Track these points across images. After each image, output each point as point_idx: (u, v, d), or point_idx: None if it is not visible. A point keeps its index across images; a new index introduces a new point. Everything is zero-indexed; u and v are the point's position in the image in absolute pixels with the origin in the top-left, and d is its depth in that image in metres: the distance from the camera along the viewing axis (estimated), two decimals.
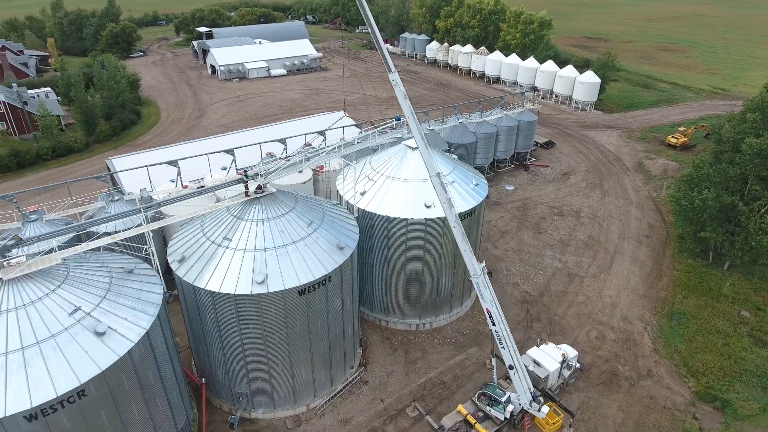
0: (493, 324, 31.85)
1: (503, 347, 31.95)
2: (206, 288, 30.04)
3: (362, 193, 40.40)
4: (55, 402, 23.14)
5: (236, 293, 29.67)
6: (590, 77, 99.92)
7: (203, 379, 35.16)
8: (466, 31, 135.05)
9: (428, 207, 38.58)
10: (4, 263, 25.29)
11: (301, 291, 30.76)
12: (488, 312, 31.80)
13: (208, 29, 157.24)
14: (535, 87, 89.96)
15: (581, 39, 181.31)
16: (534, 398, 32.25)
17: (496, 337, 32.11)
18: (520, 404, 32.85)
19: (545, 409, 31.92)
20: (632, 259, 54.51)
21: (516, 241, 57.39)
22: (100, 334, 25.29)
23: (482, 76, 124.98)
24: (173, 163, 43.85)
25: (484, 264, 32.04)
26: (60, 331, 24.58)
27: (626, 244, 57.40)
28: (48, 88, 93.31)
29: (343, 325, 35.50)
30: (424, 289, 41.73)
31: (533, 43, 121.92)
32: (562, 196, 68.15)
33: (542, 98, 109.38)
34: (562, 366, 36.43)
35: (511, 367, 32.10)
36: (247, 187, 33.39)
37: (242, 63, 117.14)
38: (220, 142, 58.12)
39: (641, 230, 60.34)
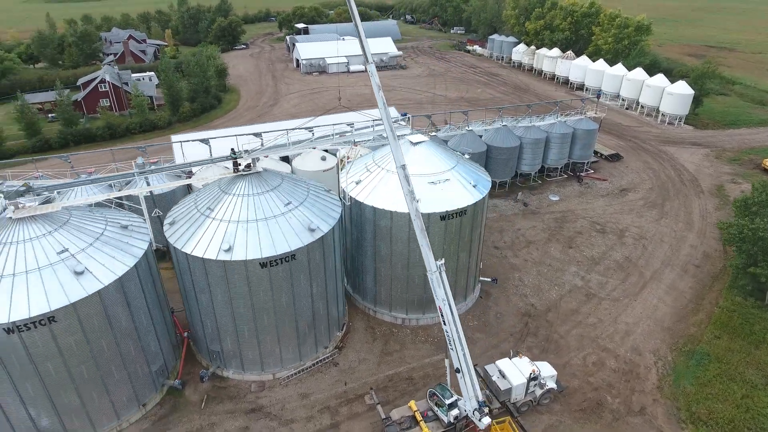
0: (445, 324, 31.21)
1: (452, 348, 31.19)
2: (182, 249, 33.19)
3: (357, 182, 41.37)
4: (29, 321, 27.48)
5: (204, 257, 32.44)
6: (681, 88, 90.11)
7: (186, 333, 38.71)
8: (555, 34, 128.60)
9: (417, 201, 38.38)
10: (15, 206, 30.36)
11: (263, 264, 32.70)
12: (440, 310, 31.24)
13: (305, 26, 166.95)
14: (599, 93, 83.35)
15: (699, 48, 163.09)
16: (479, 407, 30.98)
17: (447, 338, 31.44)
18: (465, 410, 31.76)
19: (486, 420, 30.49)
20: (669, 288, 49.01)
21: (540, 252, 54.41)
22: (78, 273, 29.41)
23: (566, 81, 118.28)
24: (205, 141, 48.30)
25: (442, 261, 31.47)
26: (45, 266, 29.03)
27: (668, 271, 51.68)
28: (152, 73, 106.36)
29: (312, 305, 36.89)
30: (410, 284, 41.63)
31: (627, 48, 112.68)
32: (610, 212, 62.91)
33: (626, 108, 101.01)
34: (530, 382, 34.39)
35: (458, 370, 31.21)
36: (235, 164, 36.10)
37: (323, 58, 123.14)
38: (263, 128, 62.25)
39: (692, 259, 53.86)
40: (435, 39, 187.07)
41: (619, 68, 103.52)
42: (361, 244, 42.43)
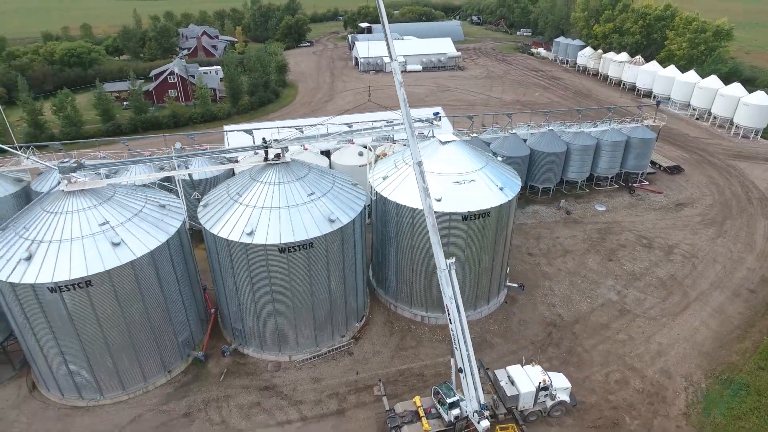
0: (451, 322, 31.16)
1: (456, 348, 31.06)
2: (210, 230, 35.43)
3: (384, 178, 42.02)
4: (69, 283, 30.56)
5: (228, 239, 34.44)
6: (759, 98, 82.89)
7: (213, 310, 41.19)
8: (624, 38, 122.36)
9: (438, 200, 38.49)
10: (68, 180, 33.78)
11: (281, 249, 34.18)
12: (447, 308, 31.22)
13: (369, 25, 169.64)
14: (659, 101, 78.23)
15: None
16: (480, 409, 30.63)
17: (452, 337, 31.37)
18: (466, 411, 31.50)
19: (485, 423, 30.02)
20: (715, 312, 45.62)
21: (576, 263, 52.40)
22: (115, 244, 32.29)
23: (633, 88, 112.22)
24: (249, 132, 51.00)
25: (452, 260, 31.45)
26: (88, 235, 32.12)
27: (717, 293, 48.07)
28: (218, 67, 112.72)
29: (330, 293, 38.00)
30: (430, 282, 41.65)
31: (703, 54, 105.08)
32: (661, 227, 59.29)
33: (696, 119, 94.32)
34: (539, 391, 33.48)
35: (460, 370, 31.04)
36: (266, 153, 37.90)
37: (380, 57, 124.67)
38: (308, 121, 64.43)
39: (747, 282, 49.74)
40: (499, 41, 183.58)
41: (692, 75, 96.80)
42: (385, 239, 43.06)
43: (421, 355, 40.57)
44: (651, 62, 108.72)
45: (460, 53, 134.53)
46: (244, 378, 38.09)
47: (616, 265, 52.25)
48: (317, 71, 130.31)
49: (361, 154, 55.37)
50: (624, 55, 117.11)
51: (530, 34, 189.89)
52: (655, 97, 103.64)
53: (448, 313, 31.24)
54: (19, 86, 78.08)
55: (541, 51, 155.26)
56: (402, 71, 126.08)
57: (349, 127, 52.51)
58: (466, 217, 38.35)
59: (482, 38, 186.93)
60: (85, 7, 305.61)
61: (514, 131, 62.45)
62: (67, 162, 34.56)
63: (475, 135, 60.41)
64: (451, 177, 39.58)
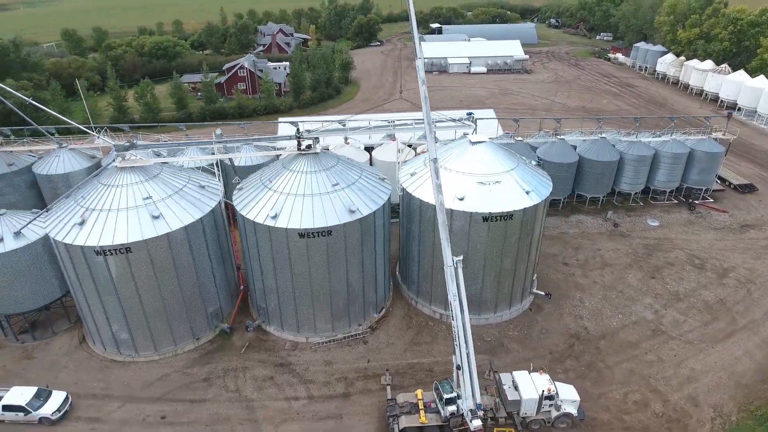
0: (453, 319, 31.44)
1: (456, 345, 31.28)
2: (240, 212, 38.12)
3: (411, 174, 42.74)
4: (111, 248, 34.32)
5: (255, 221, 36.89)
6: None
7: (243, 287, 44.15)
8: (711, 45, 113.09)
9: (460, 199, 38.64)
10: (122, 157, 37.86)
11: (301, 234, 36.06)
12: (450, 305, 31.53)
13: (440, 25, 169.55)
14: (730, 112, 71.47)
15: None
16: (474, 409, 30.59)
17: (453, 334, 31.63)
18: (462, 409, 31.56)
19: (476, 423, 29.91)
20: (764, 343, 41.83)
21: (614, 277, 49.99)
22: (154, 217, 35.80)
23: (716, 99, 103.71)
24: (295, 123, 53.66)
25: (460, 258, 31.73)
26: (132, 207, 35.86)
27: None
28: (287, 63, 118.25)
29: (348, 282, 39.42)
30: (467, 280, 41.70)
31: None
32: (719, 248, 54.90)
33: None
34: (542, 399, 32.75)
35: (458, 367, 31.21)
36: (299, 143, 40.01)
37: (444, 57, 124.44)
38: (349, 117, 66.43)
39: None
40: (576, 45, 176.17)
41: None
42: (409, 235, 43.78)
43: (433, 351, 40.90)
44: (738, 71, 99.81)
45: (527, 56, 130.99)
46: (263, 353, 40.54)
47: (658, 283, 49.23)
48: (381, 70, 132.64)
49: (400, 150, 56.27)
50: (708, 63, 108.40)
51: (611, 38, 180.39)
52: (740, 109, 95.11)
53: (452, 310, 31.54)
54: (108, 75, 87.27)
55: (619, 57, 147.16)
56: (465, 73, 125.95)
57: (390, 123, 53.79)
58: (487, 218, 38.16)
59: (557, 42, 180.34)
60: (183, 4, 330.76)
61: (562, 137, 60.40)
62: (122, 144, 38.69)
63: (519, 139, 59.15)
64: (477, 177, 39.52)
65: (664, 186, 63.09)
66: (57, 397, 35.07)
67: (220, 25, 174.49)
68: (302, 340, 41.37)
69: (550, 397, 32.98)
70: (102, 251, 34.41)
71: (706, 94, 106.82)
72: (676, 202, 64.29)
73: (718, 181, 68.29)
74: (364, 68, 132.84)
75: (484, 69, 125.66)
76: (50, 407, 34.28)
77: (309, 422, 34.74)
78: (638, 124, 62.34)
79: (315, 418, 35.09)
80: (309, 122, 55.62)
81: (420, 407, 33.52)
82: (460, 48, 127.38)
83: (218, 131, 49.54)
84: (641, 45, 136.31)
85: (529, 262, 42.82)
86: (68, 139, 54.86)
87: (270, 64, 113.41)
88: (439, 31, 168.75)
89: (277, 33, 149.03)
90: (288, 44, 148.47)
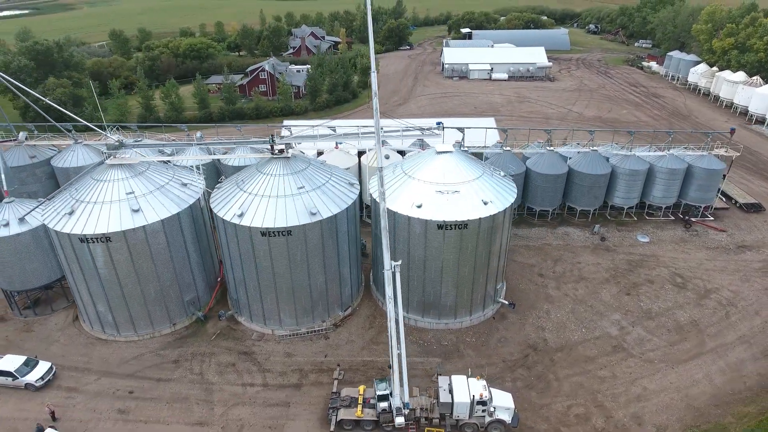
0: (389, 321, 33.21)
1: (390, 346, 33.03)
2: (214, 209, 41.29)
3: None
4: (93, 237, 38.17)
5: (224, 218, 39.93)
6: None
7: (219, 279, 47.42)
8: (746, 55, 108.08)
9: (418, 207, 40.23)
10: (113, 156, 41.85)
11: (263, 232, 38.78)
12: (387, 307, 33.32)
13: (470, 30, 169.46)
14: (733, 128, 68.43)
15: None
16: (400, 407, 32.24)
17: (389, 334, 33.40)
18: (398, 406, 33.26)
19: (399, 420, 31.58)
20: (728, 367, 41.06)
21: (588, 291, 49.99)
22: (134, 210, 39.50)
23: (745, 112, 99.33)
24: (287, 128, 56.79)
25: (398, 263, 33.49)
26: (115, 200, 39.68)
27: (742, 349, 43.01)
28: (308, 66, 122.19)
29: (309, 279, 41.83)
30: (410, 284, 43.45)
31: None
32: (706, 268, 53.62)
33: None
34: (474, 404, 33.95)
35: (389, 367, 32.93)
36: (272, 148, 42.77)
37: (466, 63, 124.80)
38: (341, 123, 68.86)
39: None
40: (610, 52, 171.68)
41: None
42: (377, 240, 45.65)
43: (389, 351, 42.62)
44: None
45: (550, 63, 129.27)
46: (231, 341, 43.61)
47: (632, 300, 48.86)
48: (403, 75, 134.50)
49: (387, 157, 58.15)
50: (740, 75, 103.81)
51: (650, 46, 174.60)
52: (765, 121, 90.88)
53: (387, 312, 33.33)
54: (138, 75, 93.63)
55: (653, 65, 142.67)
56: (486, 79, 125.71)
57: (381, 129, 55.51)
58: (442, 226, 39.55)
59: (592, 48, 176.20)
60: (233, 4, 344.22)
61: (552, 148, 60.44)
62: (112, 142, 42.71)
63: (508, 149, 59.70)
64: (436, 186, 40.96)
65: (659, 202, 61.91)
66: (42, 367, 39.35)
67: (260, 27, 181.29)
68: (268, 332, 44.15)
69: (482, 402, 34.11)
70: (85, 239, 38.39)
71: (735, 107, 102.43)
72: (672, 218, 62.90)
73: (723, 199, 66.21)
74: (386, 72, 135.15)
75: (505, 76, 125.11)
76: (35, 375, 38.57)
77: (258, 407, 37.38)
78: (632, 138, 61.19)
79: (265, 404, 37.71)
80: (301, 126, 58.69)
81: (359, 402, 35.49)
82: (481, 54, 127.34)
83: (198, 134, 53.19)
84: (675, 54, 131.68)
85: (490, 272, 43.76)
86: (84, 135, 59.97)
87: (293, 67, 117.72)
88: (469, 37, 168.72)
89: (308, 36, 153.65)
90: (317, 47, 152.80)
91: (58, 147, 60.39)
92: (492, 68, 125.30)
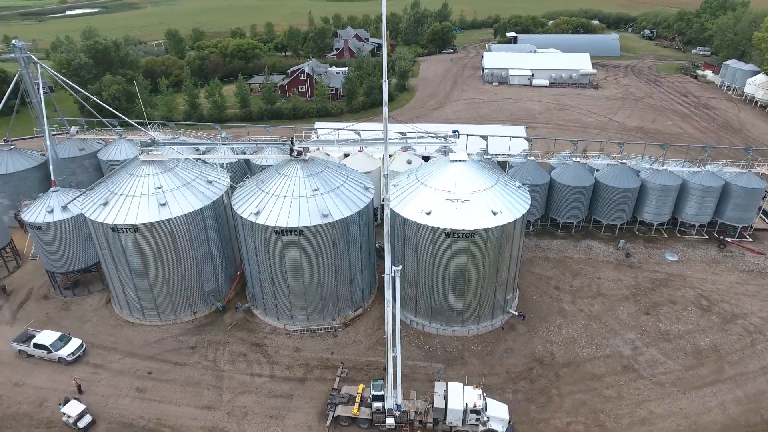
0: (387, 324, 34.14)
1: (386, 347, 33.95)
2: (234, 206, 43.58)
3: (394, 185, 45.54)
4: (123, 227, 41.32)
5: (242, 216, 42.12)
6: None
7: (239, 272, 49.85)
8: None
9: (427, 214, 40.88)
10: (146, 152, 45.00)
11: (276, 231, 40.64)
12: (386, 311, 34.25)
13: (515, 34, 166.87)
14: None
15: None
16: (393, 408, 33.05)
17: (386, 337, 34.32)
18: (390, 407, 34.14)
19: (389, 420, 32.39)
20: (746, 398, 39.28)
21: (604, 308, 48.89)
22: (161, 204, 42.41)
23: None
24: (314, 130, 58.74)
25: (400, 267, 34.35)
26: (145, 194, 42.75)
27: (764, 379, 40.97)
28: (346, 68, 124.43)
29: (320, 279, 43.37)
30: (419, 290, 44.16)
31: None
32: (736, 292, 51.14)
33: None
34: (468, 412, 34.32)
35: (384, 368, 33.84)
36: (291, 150, 44.61)
37: (506, 68, 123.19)
38: (366, 126, 69.77)
39: None
40: (663, 59, 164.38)
41: None
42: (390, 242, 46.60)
43: None
44: None
45: (595, 70, 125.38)
46: (245, 332, 45.84)
47: (651, 320, 47.41)
48: (442, 78, 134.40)
49: (409, 162, 59.01)
50: None
51: (708, 53, 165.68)
52: None
53: (385, 315, 34.25)
54: (184, 75, 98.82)
55: (708, 74, 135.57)
56: (526, 85, 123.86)
57: (403, 135, 56.73)
58: (449, 234, 40.01)
59: (644, 55, 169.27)
60: (288, 5, 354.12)
61: (578, 159, 59.27)
62: (147, 139, 45.86)
63: (532, 159, 59.07)
64: (446, 194, 41.42)
65: (693, 219, 59.39)
66: (74, 343, 42.94)
67: (307, 28, 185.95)
68: (280, 326, 46.08)
69: (476, 411, 34.44)
70: (116, 229, 41.59)
71: None
72: (706, 237, 60.17)
73: (766, 219, 62.66)
74: (426, 75, 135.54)
75: (546, 82, 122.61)
76: (67, 350, 42.16)
77: (263, 397, 39.27)
78: (665, 152, 58.96)
79: (269, 394, 39.55)
80: (328, 129, 60.50)
81: (357, 400, 36.63)
82: (522, 59, 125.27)
83: (223, 134, 55.85)
84: (732, 63, 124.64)
85: (499, 282, 43.75)
86: (127, 131, 64.33)
87: (333, 69, 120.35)
88: (514, 41, 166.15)
89: (352, 38, 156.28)
90: (360, 49, 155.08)
91: (105, 141, 65.11)
92: (533, 74, 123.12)
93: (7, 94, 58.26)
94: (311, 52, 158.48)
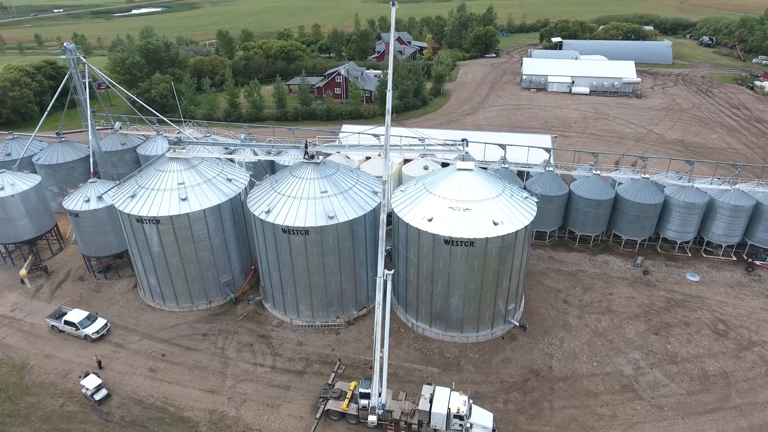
0: (376, 325, 35.48)
1: (374, 348, 35.26)
2: (248, 206, 46.13)
3: (402, 191, 46.70)
4: (146, 218, 44.75)
5: (254, 213, 44.59)
6: None
7: (253, 266, 52.55)
8: None
9: (429, 221, 41.77)
10: (173, 149, 48.38)
11: (284, 230, 42.79)
12: (375, 312, 35.58)
13: (561, 40, 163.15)
14: None
15: None
16: (376, 407, 34.25)
17: (375, 338, 35.64)
18: (374, 405, 35.40)
19: (371, 418, 33.57)
20: (751, 428, 37.75)
21: (611, 325, 48.01)
22: (182, 199, 45.57)
23: None
24: (335, 133, 60.76)
25: (391, 272, 35.59)
26: (168, 189, 46.03)
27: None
28: (380, 71, 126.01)
29: (325, 278, 45.19)
30: (419, 293, 45.08)
31: None
32: (758, 318, 48.85)
33: None
34: (451, 417, 35.04)
35: (370, 367, 35.15)
36: (306, 153, 46.68)
37: (545, 75, 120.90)
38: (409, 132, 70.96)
39: None
40: (719, 68, 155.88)
41: None
42: (396, 245, 47.82)
43: (392, 354, 44.47)
44: None
45: (639, 79, 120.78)
46: (254, 324, 48.37)
47: (659, 340, 46.16)
48: (480, 83, 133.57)
49: (426, 168, 59.92)
50: None
51: None
52: None
53: (375, 317, 35.58)
54: (225, 75, 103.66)
55: (766, 85, 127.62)
56: (565, 93, 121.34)
57: (422, 141, 57.75)
58: (449, 241, 40.74)
59: (698, 63, 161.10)
60: (339, 6, 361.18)
61: (598, 172, 58.13)
62: (174, 137, 49.27)
63: (551, 169, 58.48)
64: (449, 202, 42.15)
65: (719, 240, 56.96)
66: (99, 322, 46.86)
67: (353, 30, 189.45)
68: (287, 320, 48.29)
69: (459, 417, 35.12)
70: (141, 220, 45.09)
71: None
72: (734, 259, 57.51)
73: None
74: (464, 80, 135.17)
75: (586, 90, 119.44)
76: (93, 328, 46.09)
77: (262, 386, 41.50)
78: (691, 168, 56.75)
79: (268, 384, 41.74)
80: (351, 133, 62.33)
81: (348, 396, 38.14)
82: (562, 66, 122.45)
83: (242, 135, 58.64)
84: None
85: (500, 291, 43.98)
86: (164, 128, 68.71)
87: (370, 71, 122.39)
88: (560, 47, 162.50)
89: (394, 41, 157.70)
90: (401, 52, 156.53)
91: (146, 137, 69.87)
92: (573, 81, 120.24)
93: (58, 91, 63.81)
94: (354, 55, 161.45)
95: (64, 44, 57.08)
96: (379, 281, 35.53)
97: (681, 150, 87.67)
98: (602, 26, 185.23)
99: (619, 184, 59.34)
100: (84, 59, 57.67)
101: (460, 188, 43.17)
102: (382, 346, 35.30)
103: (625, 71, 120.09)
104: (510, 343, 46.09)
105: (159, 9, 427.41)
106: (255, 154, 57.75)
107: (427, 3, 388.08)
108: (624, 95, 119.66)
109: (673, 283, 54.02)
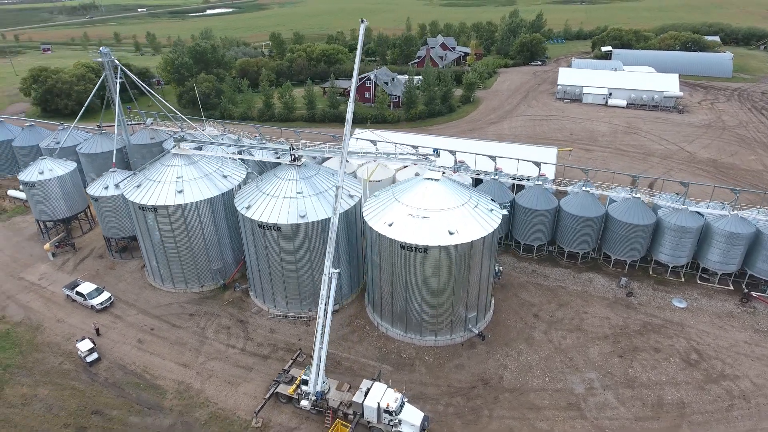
0: (318, 319, 38.47)
1: (315, 339, 38.25)
2: (235, 201, 50.58)
3: (376, 196, 49.23)
4: (146, 207, 50.34)
5: (237, 209, 48.91)
6: None
7: (243, 256, 57.09)
8: None
9: (389, 226, 44.10)
10: (178, 146, 53.84)
11: (260, 225, 46.74)
12: (318, 307, 38.58)
13: (611, 49, 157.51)
14: None
15: None
16: (311, 395, 37.20)
17: (316, 330, 38.64)
18: (309, 392, 38.41)
19: (304, 402, 36.50)
20: None
21: (576, 344, 47.97)
22: (178, 191, 50.80)
23: None
24: (334, 136, 64.13)
25: (338, 270, 38.50)
26: (169, 181, 51.46)
27: None
28: (419, 77, 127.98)
29: (297, 270, 48.65)
30: (382, 293, 47.45)
31: None
32: (737, 352, 46.92)
33: None
34: (381, 411, 37.29)
35: (309, 356, 38.13)
36: (292, 156, 50.41)
37: (580, 86, 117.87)
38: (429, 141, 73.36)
39: None
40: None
41: None
42: (366, 247, 50.43)
43: (353, 349, 47.46)
44: None
45: (681, 93, 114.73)
46: (236, 309, 52.82)
47: (622, 364, 45.67)
48: (514, 92, 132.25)
49: (417, 174, 61.80)
50: None
51: None
52: None
53: (318, 311, 38.57)
54: (262, 77, 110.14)
55: None
56: (601, 105, 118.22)
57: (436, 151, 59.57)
58: (404, 246, 42.89)
59: (762, 78, 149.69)
60: (397, 8, 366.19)
61: (587, 189, 57.52)
62: (180, 134, 54.70)
63: (539, 183, 58.57)
64: (410, 209, 44.23)
65: (715, 267, 54.72)
66: (104, 295, 53.15)
67: (404, 33, 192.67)
68: (265, 309, 52.32)
69: (389, 412, 37.33)
70: (142, 207, 50.78)
71: None
72: (730, 288, 54.99)
73: None
74: (500, 88, 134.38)
75: (623, 102, 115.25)
76: (98, 300, 52.43)
77: (228, 365, 45.67)
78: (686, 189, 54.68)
79: (234, 364, 45.85)
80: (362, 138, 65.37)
81: (297, 381, 41.37)
82: (600, 77, 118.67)
83: (235, 136, 63.24)
84: None
85: (457, 299, 45.42)
86: (190, 125, 75.23)
87: (401, 77, 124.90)
88: (609, 56, 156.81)
89: (438, 46, 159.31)
90: (442, 58, 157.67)
91: (174, 132, 76.81)
92: (610, 93, 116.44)
93: (94, 90, 72.04)
94: (397, 59, 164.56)
95: (101, 48, 64.52)
96: (325, 278, 38.42)
97: (709, 170, 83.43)
98: (660, 35, 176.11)
99: (613, 202, 58.43)
100: (117, 61, 64.87)
101: (424, 197, 45.12)
102: (322, 337, 38.15)
103: (668, 84, 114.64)
104: (468, 350, 47.37)
105: (230, 10, 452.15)
106: (250, 154, 62.51)
107: (489, 7, 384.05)
108: (664, 109, 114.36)
109: (655, 308, 52.72)
